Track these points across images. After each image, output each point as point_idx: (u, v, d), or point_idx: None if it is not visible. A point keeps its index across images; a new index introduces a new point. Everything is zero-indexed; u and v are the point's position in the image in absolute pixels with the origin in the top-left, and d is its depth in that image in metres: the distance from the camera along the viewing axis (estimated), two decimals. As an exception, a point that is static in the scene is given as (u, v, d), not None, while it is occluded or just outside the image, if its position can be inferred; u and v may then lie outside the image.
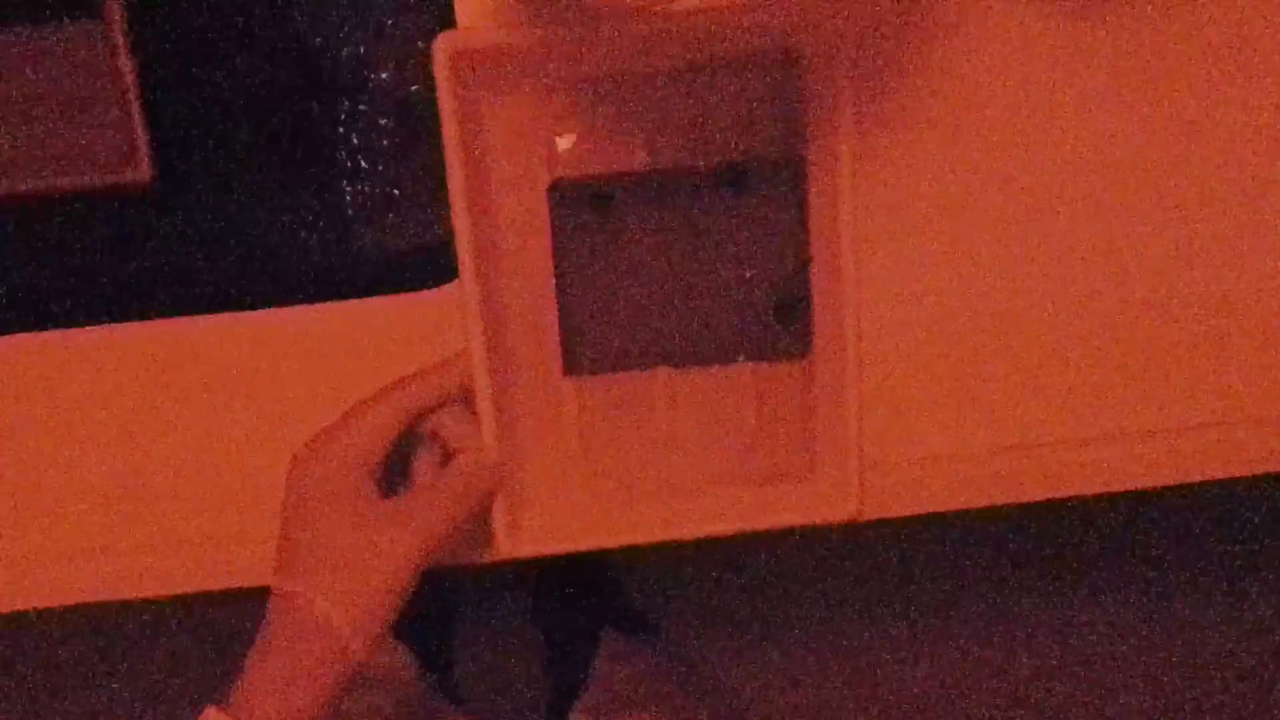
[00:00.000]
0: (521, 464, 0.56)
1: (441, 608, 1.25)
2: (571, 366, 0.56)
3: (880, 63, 0.54)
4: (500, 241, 0.54)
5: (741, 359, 0.56)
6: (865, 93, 0.54)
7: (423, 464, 0.54)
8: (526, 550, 0.55)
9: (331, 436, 0.50)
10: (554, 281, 0.55)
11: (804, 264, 0.55)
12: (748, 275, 0.55)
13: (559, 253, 0.55)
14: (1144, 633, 1.42)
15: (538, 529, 0.56)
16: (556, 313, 0.55)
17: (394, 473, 0.53)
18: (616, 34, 0.51)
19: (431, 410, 0.53)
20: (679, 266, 0.55)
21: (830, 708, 1.41)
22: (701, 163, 0.54)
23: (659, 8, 0.49)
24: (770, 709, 1.41)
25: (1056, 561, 1.41)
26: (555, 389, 0.56)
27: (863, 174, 0.55)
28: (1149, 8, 0.55)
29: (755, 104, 0.54)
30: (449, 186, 0.51)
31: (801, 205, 0.54)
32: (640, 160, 0.54)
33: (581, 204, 0.54)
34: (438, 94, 0.50)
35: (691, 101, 0.54)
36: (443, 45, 0.50)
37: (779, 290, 0.55)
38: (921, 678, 1.42)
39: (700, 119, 0.54)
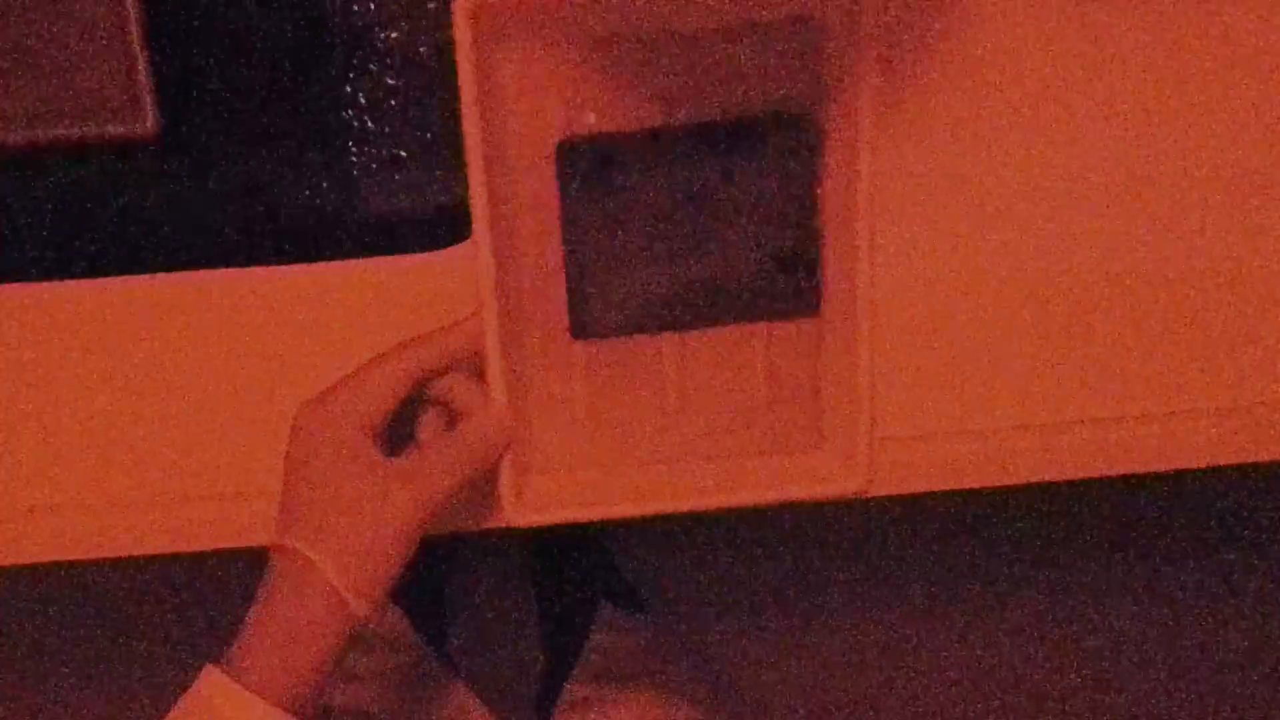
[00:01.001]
0: (529, 430, 0.56)
1: (438, 577, 1.25)
2: (580, 330, 0.55)
3: (899, 30, 0.54)
4: (513, 203, 0.54)
5: (752, 319, 0.55)
6: (884, 60, 0.54)
7: (428, 428, 0.53)
8: (532, 519, 0.55)
9: (335, 395, 0.50)
10: (561, 245, 0.54)
11: (812, 219, 0.54)
12: (755, 233, 0.55)
13: (566, 215, 0.54)
14: (1145, 621, 1.42)
15: (543, 497, 0.56)
16: (564, 277, 0.55)
17: (400, 437, 0.53)
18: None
19: (438, 374, 0.52)
20: (687, 226, 0.54)
21: (823, 686, 1.42)
22: (706, 119, 0.53)
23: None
24: (762, 686, 1.42)
25: (1058, 548, 1.41)
26: (565, 354, 0.56)
27: (880, 145, 0.54)
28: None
29: (775, 65, 0.53)
30: (465, 146, 0.50)
31: (809, 160, 0.54)
32: (656, 120, 0.53)
33: (589, 165, 0.53)
34: (456, 51, 0.49)
35: (710, 62, 0.53)
36: (464, 2, 0.49)
37: (787, 247, 0.55)
38: (915, 659, 1.42)
39: (719, 79, 0.53)
